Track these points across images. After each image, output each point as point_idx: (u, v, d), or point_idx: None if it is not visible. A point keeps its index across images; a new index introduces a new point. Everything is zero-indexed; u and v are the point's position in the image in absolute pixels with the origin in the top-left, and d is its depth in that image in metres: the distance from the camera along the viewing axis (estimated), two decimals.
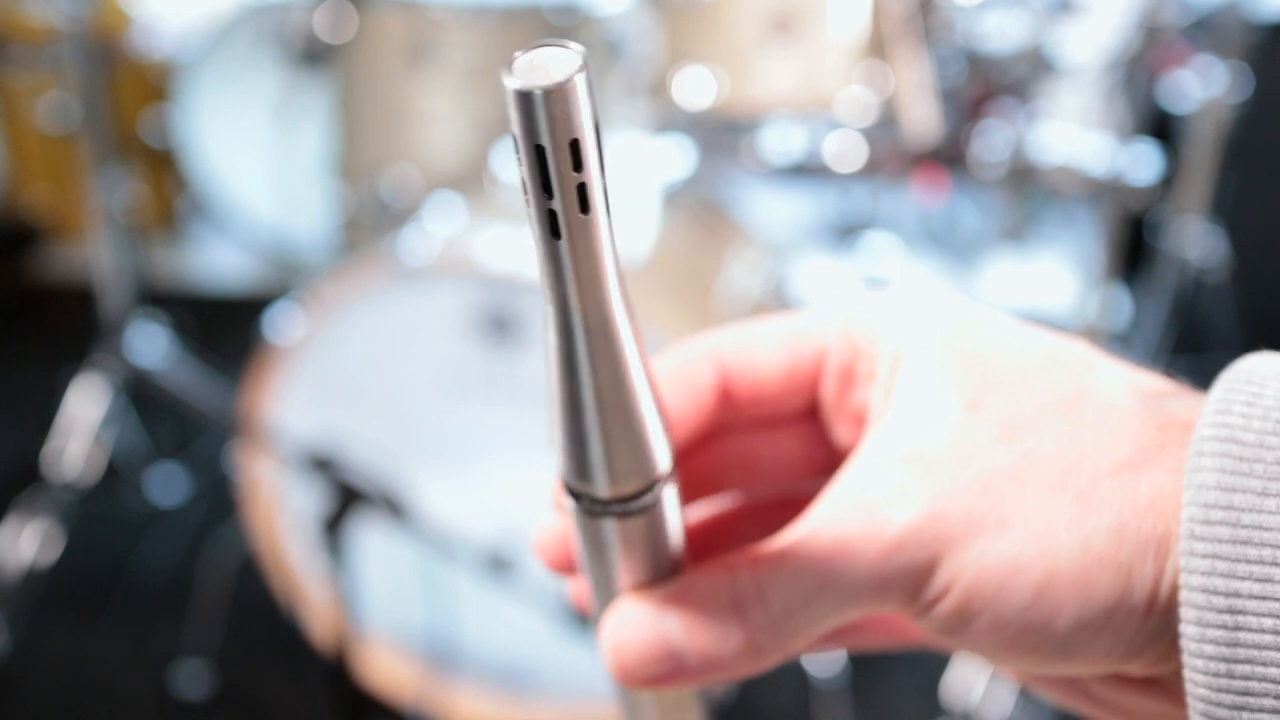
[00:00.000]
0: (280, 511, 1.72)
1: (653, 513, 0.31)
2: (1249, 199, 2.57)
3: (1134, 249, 2.47)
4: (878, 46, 1.78)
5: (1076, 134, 2.36)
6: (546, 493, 0.34)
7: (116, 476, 2.29)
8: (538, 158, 0.24)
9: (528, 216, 0.25)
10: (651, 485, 0.30)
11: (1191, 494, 0.29)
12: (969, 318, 0.35)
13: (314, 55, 2.36)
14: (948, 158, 2.97)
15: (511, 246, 1.56)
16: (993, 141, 2.26)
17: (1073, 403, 0.32)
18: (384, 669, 1.74)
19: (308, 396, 1.65)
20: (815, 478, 0.38)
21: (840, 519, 0.32)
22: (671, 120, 1.92)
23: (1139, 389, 0.33)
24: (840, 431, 0.38)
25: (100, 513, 2.24)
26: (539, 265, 0.26)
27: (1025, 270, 3.75)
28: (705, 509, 0.40)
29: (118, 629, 2.05)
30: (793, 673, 1.83)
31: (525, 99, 0.23)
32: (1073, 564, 0.30)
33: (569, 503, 0.31)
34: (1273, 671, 0.27)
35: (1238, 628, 0.27)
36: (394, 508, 1.38)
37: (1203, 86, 2.12)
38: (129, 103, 3.60)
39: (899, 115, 1.81)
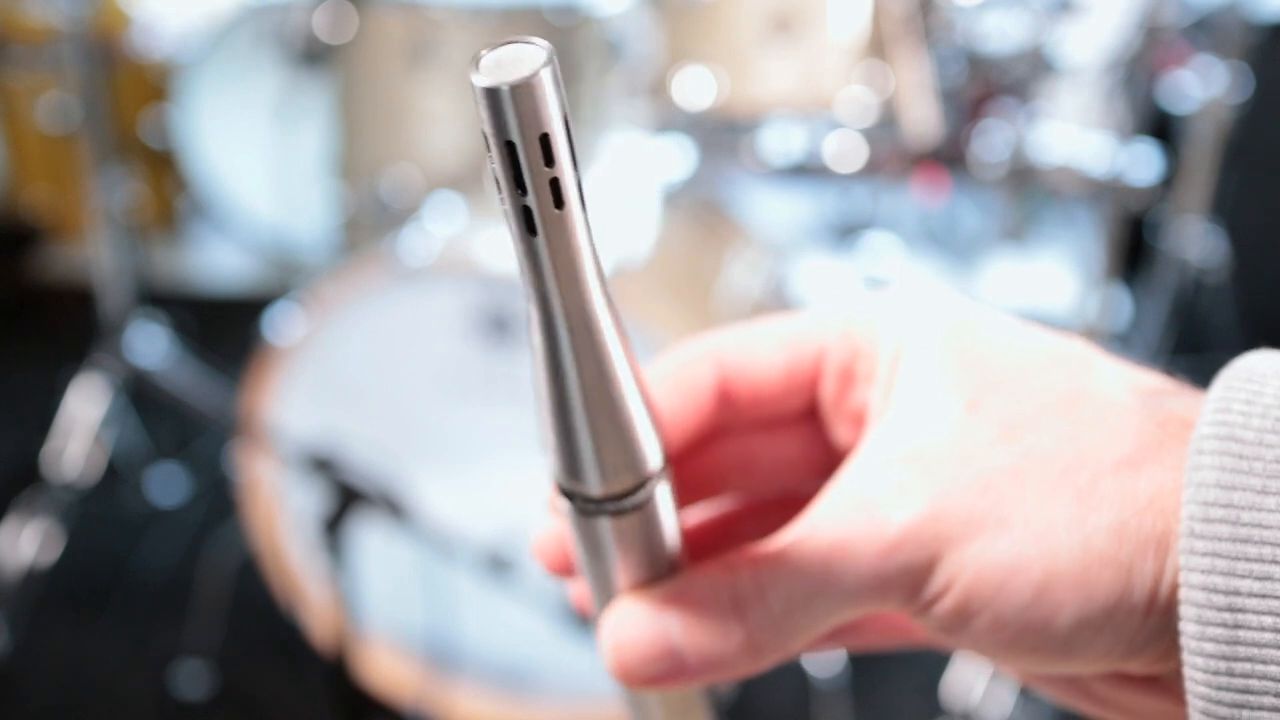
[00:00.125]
0: (280, 511, 1.72)
1: (647, 510, 0.31)
2: (1249, 199, 2.57)
3: (1134, 249, 2.47)
4: (878, 46, 1.78)
5: (1076, 134, 2.36)
6: (546, 494, 0.34)
7: (116, 476, 2.29)
8: (509, 154, 0.24)
9: (504, 215, 0.25)
10: (644, 482, 0.30)
11: (1191, 492, 0.29)
12: (969, 318, 0.35)
13: (314, 55, 2.36)
14: (948, 158, 2.97)
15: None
16: (993, 141, 2.25)
17: (1072, 402, 0.32)
18: (384, 669, 1.74)
19: (308, 396, 1.65)
20: (815, 478, 0.38)
21: (840, 518, 0.32)
22: (671, 120, 1.92)
23: (1139, 387, 0.33)
24: (840, 432, 0.38)
25: (100, 513, 2.24)
26: (518, 263, 0.26)
27: (1025, 270, 3.75)
28: (705, 510, 0.40)
29: (118, 629, 2.05)
30: (793, 673, 1.83)
31: (493, 96, 0.23)
32: (1073, 563, 0.30)
33: (563, 504, 0.31)
34: (1273, 670, 0.27)
35: (1237, 626, 0.27)
36: (394, 508, 1.38)
37: (1203, 86, 2.12)
38: (129, 103, 3.61)
39: (899, 115, 1.81)
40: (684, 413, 0.36)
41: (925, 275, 3.69)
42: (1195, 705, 0.29)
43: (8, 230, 3.70)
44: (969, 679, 1.71)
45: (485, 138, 0.24)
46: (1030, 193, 3.34)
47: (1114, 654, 0.30)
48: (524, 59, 0.23)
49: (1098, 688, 0.35)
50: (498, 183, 0.24)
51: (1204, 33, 2.44)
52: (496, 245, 1.57)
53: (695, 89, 1.79)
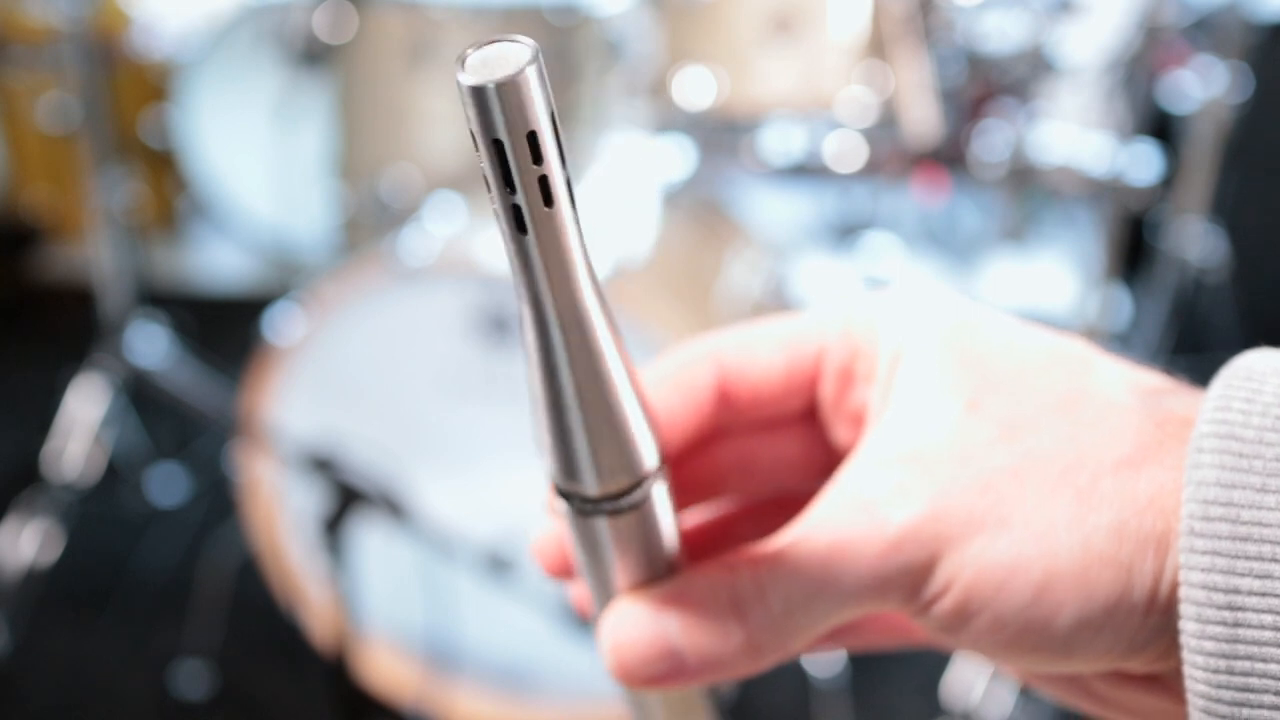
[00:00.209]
0: (280, 511, 1.72)
1: (644, 510, 0.31)
2: (1249, 199, 2.57)
3: (1134, 249, 2.47)
4: (878, 46, 1.78)
5: (1076, 134, 2.37)
6: (545, 494, 0.34)
7: (116, 476, 2.29)
8: (497, 152, 0.24)
9: (494, 214, 0.25)
10: (640, 482, 0.30)
11: (1191, 490, 0.29)
12: (969, 318, 0.35)
13: (314, 55, 2.36)
14: (948, 158, 2.97)
15: None
16: (993, 141, 2.26)
17: (1072, 401, 0.32)
18: (384, 669, 1.74)
19: (308, 396, 1.65)
20: (814, 478, 0.38)
21: (839, 518, 0.32)
22: (671, 120, 1.92)
23: (1138, 387, 0.33)
24: (839, 432, 0.38)
25: (100, 513, 2.24)
26: (509, 262, 0.26)
27: (1025, 270, 3.75)
28: (705, 510, 0.40)
29: (118, 629, 2.05)
30: (793, 673, 1.83)
31: (479, 94, 0.23)
32: (1073, 563, 0.30)
33: (561, 505, 0.31)
34: (1273, 668, 0.27)
35: (1237, 624, 0.27)
36: (394, 508, 1.38)
37: (1203, 86, 2.12)
38: (129, 103, 3.61)
39: (899, 115, 1.81)
40: (683, 413, 0.36)
41: (925, 275, 3.69)
42: (1195, 703, 0.29)
43: (8, 230, 3.70)
44: (969, 679, 1.71)
45: (473, 137, 0.24)
46: (1030, 193, 3.35)
47: (1114, 653, 0.30)
48: (509, 57, 0.23)
49: (1098, 687, 0.35)
50: (487, 182, 0.24)
51: (1204, 33, 2.44)
52: (496, 245, 1.57)
53: (695, 89, 1.79)
